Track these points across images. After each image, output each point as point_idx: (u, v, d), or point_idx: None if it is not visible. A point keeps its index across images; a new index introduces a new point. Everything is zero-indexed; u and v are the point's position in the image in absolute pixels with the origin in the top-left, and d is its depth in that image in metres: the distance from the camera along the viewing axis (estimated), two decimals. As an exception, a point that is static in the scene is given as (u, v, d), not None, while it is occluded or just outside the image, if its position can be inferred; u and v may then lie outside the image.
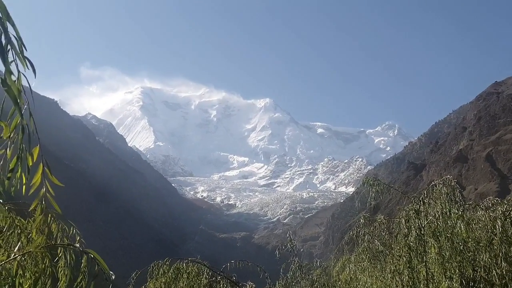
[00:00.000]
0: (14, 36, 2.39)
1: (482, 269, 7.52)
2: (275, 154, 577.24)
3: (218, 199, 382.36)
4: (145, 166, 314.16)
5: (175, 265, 7.44)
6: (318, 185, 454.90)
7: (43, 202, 3.27)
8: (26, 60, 2.48)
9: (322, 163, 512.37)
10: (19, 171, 2.74)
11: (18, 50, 2.41)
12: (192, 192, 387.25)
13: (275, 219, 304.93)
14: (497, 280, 7.28)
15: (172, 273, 7.20)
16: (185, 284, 7.06)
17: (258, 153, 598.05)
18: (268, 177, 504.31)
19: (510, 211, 7.30)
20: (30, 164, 2.83)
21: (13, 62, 2.42)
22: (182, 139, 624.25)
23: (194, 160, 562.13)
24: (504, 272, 7.29)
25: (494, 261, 7.36)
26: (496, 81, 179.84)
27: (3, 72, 2.47)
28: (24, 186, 2.94)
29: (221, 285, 7.24)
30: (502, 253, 7.20)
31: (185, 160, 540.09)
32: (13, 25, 2.37)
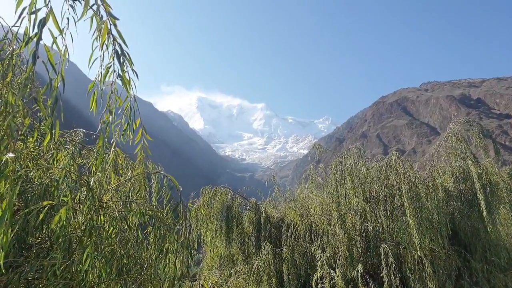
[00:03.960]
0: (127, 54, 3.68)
1: (374, 192, 13.81)
2: (267, 133, 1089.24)
3: (237, 155, 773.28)
4: (198, 138, 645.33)
5: (214, 188, 13.58)
6: (289, 149, 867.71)
7: (142, 149, 4.57)
8: (134, 72, 3.79)
9: (291, 137, 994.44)
10: (128, 131, 4.07)
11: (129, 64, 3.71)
12: (222, 152, 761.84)
13: (266, 167, 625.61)
14: (381, 198, 13.73)
15: (212, 193, 13.38)
16: (219, 198, 13.27)
17: (258, 132, 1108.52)
18: (262, 145, 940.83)
19: (388, 162, 13.78)
20: (135, 128, 4.16)
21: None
22: (218, 124, 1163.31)
23: (224, 135, 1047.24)
24: (385, 193, 13.68)
25: (380, 188, 13.58)
26: (382, 95, 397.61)
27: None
28: (130, 141, 4.22)
29: (238, 199, 13.54)
30: (384, 183, 13.52)
31: (219, 135, 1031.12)
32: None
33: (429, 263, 10.04)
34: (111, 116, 3.83)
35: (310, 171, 15.25)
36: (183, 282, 4.24)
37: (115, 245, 3.83)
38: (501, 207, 13.84)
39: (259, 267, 10.72)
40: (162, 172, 5.03)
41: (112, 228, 3.88)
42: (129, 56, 3.65)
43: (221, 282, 11.70)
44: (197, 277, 9.95)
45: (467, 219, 13.14)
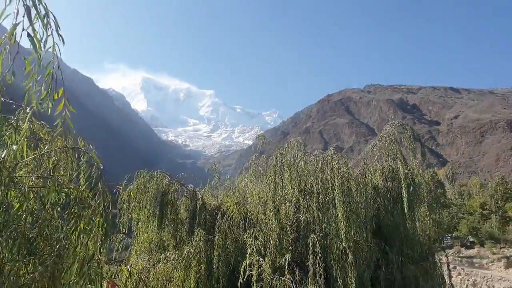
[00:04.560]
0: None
1: (309, 185, 14.19)
2: (213, 120, 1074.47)
3: (180, 141, 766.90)
4: (140, 120, 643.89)
5: (150, 172, 13.19)
6: (234, 139, 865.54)
7: (63, 121, 4.04)
8: (60, 37, 3.53)
9: (238, 127, 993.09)
10: (48, 100, 3.73)
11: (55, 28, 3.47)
12: (165, 136, 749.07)
13: (210, 155, 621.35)
14: (315, 191, 14.23)
15: (148, 177, 12.99)
16: (154, 183, 12.94)
17: (204, 119, 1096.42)
18: (208, 132, 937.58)
19: (325, 157, 14.33)
20: (56, 97, 3.80)
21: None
22: (162, 107, 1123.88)
23: (168, 119, 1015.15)
24: (319, 186, 14.19)
25: (315, 181, 14.00)
26: (328, 94, 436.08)
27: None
28: (49, 110, 3.88)
29: (175, 185, 13.31)
30: (319, 177, 14.01)
31: (163, 119, 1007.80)
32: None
33: (352, 254, 10.63)
34: (31, 83, 3.57)
35: (252, 161, 15.42)
36: (100, 266, 4.07)
37: (24, 224, 3.59)
38: (422, 205, 15.01)
39: (190, 253, 10.69)
40: (83, 149, 4.70)
41: (19, 204, 3.61)
42: (55, 18, 3.41)
43: (149, 267, 11.52)
44: (124, 262, 9.67)
45: (391, 214, 14.09)
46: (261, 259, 10.18)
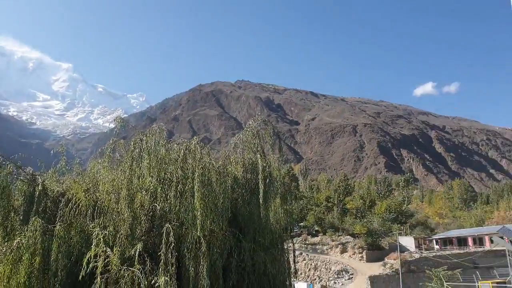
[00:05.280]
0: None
1: (169, 174, 13.75)
2: (69, 98, 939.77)
3: (24, 118, 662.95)
4: None
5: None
6: (93, 120, 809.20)
7: None
8: None
9: (98, 108, 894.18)
10: None
11: None
12: (5, 110, 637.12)
13: (61, 136, 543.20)
14: (175, 180, 13.69)
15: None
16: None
17: (57, 95, 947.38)
18: (61, 110, 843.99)
19: (188, 146, 14.14)
20: None
21: None
22: (4, 76, 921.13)
23: (10, 91, 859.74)
24: (179, 175, 13.81)
25: (176, 170, 13.60)
26: (200, 84, 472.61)
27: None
28: None
29: (9, 167, 11.30)
30: (180, 166, 13.69)
31: (4, 90, 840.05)
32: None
33: (206, 243, 10.73)
34: None
35: (108, 145, 14.23)
36: None
37: None
38: (278, 197, 16.07)
39: (21, 245, 9.26)
40: None
41: None
42: None
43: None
44: None
45: (247, 204, 14.71)
46: (108, 249, 9.45)
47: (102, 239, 9.39)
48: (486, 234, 61.35)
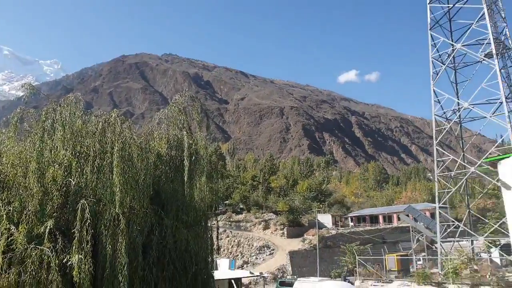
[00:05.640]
0: None
1: (86, 147, 12.86)
2: None
3: None
4: None
5: None
6: None
7: None
8: None
9: (2, 73, 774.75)
10: None
11: None
12: None
13: None
14: (92, 154, 12.74)
15: None
16: None
17: None
18: None
19: (107, 119, 13.33)
20: None
21: None
22: None
23: None
24: (97, 149, 12.87)
25: (93, 143, 12.68)
26: (124, 54, 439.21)
27: None
28: None
29: None
30: (98, 139, 12.84)
31: None
32: None
33: (126, 220, 10.34)
34: None
35: (15, 114, 12.88)
36: None
37: None
38: (204, 175, 15.92)
39: None
40: None
41: None
42: None
43: None
44: None
45: (171, 182, 14.41)
46: (13, 227, 8.64)
47: (5, 215, 8.55)
48: (395, 212, 68.11)
